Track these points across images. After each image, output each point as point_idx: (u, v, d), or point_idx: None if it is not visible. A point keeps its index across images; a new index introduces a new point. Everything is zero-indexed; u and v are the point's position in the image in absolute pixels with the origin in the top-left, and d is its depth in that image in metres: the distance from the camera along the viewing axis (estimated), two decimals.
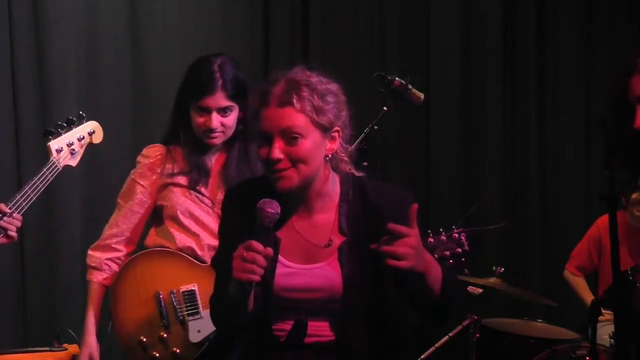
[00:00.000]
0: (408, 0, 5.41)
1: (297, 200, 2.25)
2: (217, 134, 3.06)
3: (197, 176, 3.10)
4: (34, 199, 2.87)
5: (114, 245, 3.16)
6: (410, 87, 3.48)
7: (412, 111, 4.16)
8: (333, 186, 2.28)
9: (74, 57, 4.53)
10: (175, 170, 3.12)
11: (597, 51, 5.48)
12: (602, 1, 5.49)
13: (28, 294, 4.46)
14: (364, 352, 2.24)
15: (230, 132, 3.09)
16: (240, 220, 2.23)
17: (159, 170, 3.14)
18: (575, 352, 3.86)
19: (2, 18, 4.36)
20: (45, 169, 2.92)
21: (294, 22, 5.21)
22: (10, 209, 2.81)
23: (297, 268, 2.24)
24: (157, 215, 3.18)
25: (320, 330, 2.25)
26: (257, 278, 2.07)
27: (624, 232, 4.27)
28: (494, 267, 4.05)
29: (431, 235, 3.26)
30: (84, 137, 3.09)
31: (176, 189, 3.11)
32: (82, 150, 3.09)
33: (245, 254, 2.07)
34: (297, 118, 2.15)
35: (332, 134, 2.22)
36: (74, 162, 3.06)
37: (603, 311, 2.89)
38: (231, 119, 3.06)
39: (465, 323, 4.07)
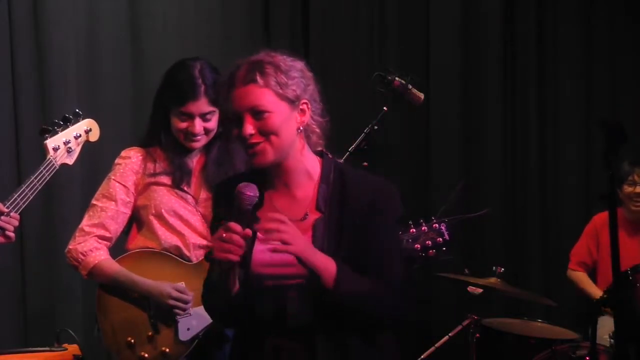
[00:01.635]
0: (408, 0, 5.41)
1: (275, 176, 2.30)
2: (199, 137, 3.07)
3: (180, 175, 3.10)
4: (32, 197, 2.86)
5: (102, 245, 3.11)
6: (410, 87, 3.48)
7: (412, 111, 4.16)
8: (312, 164, 2.33)
9: (74, 57, 4.53)
10: (158, 170, 3.11)
11: (597, 51, 5.48)
12: (602, 1, 5.49)
13: (28, 294, 4.46)
14: (334, 334, 2.26)
15: (212, 135, 3.10)
16: (229, 214, 2.25)
17: (141, 171, 3.13)
18: (575, 352, 3.86)
19: (2, 18, 4.36)
20: (42, 168, 2.91)
21: (294, 22, 5.21)
22: (7, 208, 2.80)
23: (274, 244, 2.24)
24: (136, 217, 3.16)
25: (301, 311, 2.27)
26: (235, 257, 2.14)
27: (620, 227, 4.28)
28: (494, 267, 4.04)
29: (412, 226, 3.25)
30: (80, 135, 3.08)
31: (160, 188, 3.10)
32: (79, 148, 3.08)
33: (223, 235, 2.13)
34: (262, 93, 2.22)
35: (301, 107, 2.27)
36: (70, 160, 3.05)
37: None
38: (213, 123, 3.07)
39: (465, 323, 4.07)
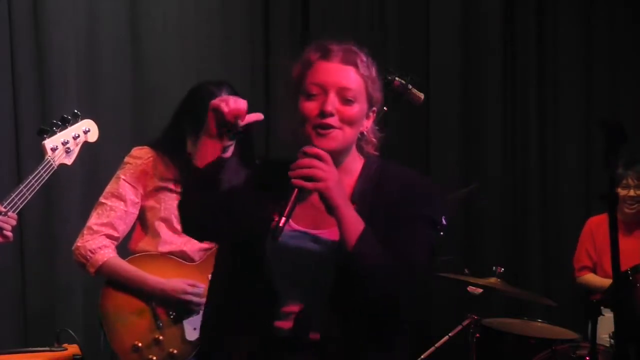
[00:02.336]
0: (408, 0, 5.41)
1: None
2: None
3: None
4: (30, 197, 2.86)
5: (109, 243, 3.10)
6: (410, 87, 3.47)
7: (412, 111, 4.15)
8: (355, 164, 2.21)
9: (74, 57, 4.52)
10: (169, 176, 3.09)
11: (597, 51, 5.48)
12: (602, 1, 5.49)
13: (28, 294, 4.46)
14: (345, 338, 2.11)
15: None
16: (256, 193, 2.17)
17: (151, 173, 3.11)
18: (575, 352, 3.86)
19: (2, 18, 4.35)
20: (40, 168, 2.91)
21: (294, 22, 5.21)
22: (5, 207, 2.80)
23: (302, 231, 2.13)
24: (142, 218, 3.14)
25: (324, 323, 2.11)
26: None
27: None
28: (494, 267, 4.04)
29: None
30: (79, 136, 3.07)
31: (170, 194, 3.09)
32: (77, 149, 3.08)
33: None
34: (357, 80, 2.12)
35: (371, 112, 2.19)
36: (69, 161, 3.04)
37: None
38: (229, 152, 3.04)
39: (465, 323, 4.06)
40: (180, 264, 3.09)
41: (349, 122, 2.10)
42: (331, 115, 2.07)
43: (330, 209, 2.04)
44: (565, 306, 4.64)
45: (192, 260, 3.09)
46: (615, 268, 2.58)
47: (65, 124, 3.04)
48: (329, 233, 2.12)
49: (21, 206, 2.84)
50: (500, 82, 5.44)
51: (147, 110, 4.69)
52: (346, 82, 2.10)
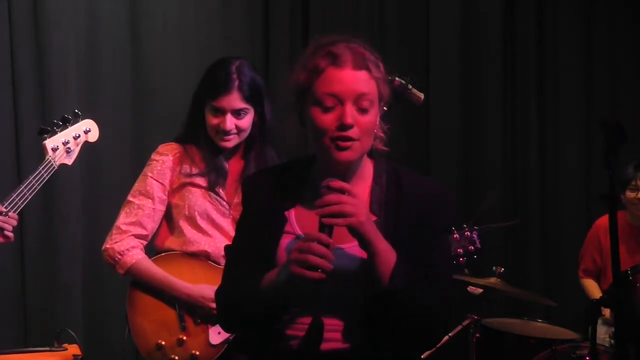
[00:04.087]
0: (408, 0, 5.41)
1: (328, 174, 2.03)
2: (231, 136, 3.01)
3: (215, 177, 3.06)
4: (30, 197, 2.86)
5: (138, 244, 3.08)
6: (410, 87, 3.47)
7: (412, 111, 4.15)
8: (366, 165, 2.12)
9: (74, 57, 4.53)
10: (194, 171, 3.07)
11: (597, 51, 5.48)
12: (602, 1, 5.49)
13: (28, 294, 4.46)
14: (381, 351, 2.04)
15: (244, 136, 3.05)
16: (260, 209, 2.11)
17: (177, 169, 3.09)
18: (575, 352, 3.86)
19: (2, 18, 4.36)
20: (41, 168, 2.91)
21: (294, 22, 5.21)
22: (6, 208, 2.80)
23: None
24: (169, 215, 3.13)
25: (336, 333, 2.04)
26: (320, 275, 1.90)
27: (623, 231, 4.28)
28: (494, 267, 4.04)
29: None
30: (79, 136, 3.07)
31: (194, 189, 3.07)
32: (78, 149, 3.08)
33: (305, 245, 1.91)
34: (371, 85, 2.00)
35: (381, 107, 2.08)
36: (69, 161, 3.04)
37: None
38: (246, 122, 3.02)
39: (465, 323, 4.06)
40: (210, 266, 3.07)
41: (367, 131, 2.01)
42: (351, 127, 1.98)
43: (364, 243, 1.97)
44: (565, 306, 4.64)
45: (217, 262, 3.08)
46: (615, 268, 2.58)
47: (65, 123, 3.03)
48: (351, 248, 2.05)
49: (22, 206, 2.84)
50: (500, 82, 5.44)
51: (147, 110, 4.69)
52: (362, 89, 1.99)
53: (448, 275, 2.16)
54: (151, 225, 3.09)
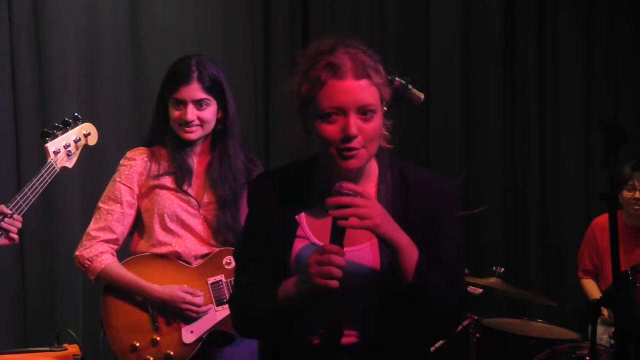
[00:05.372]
0: (408, 0, 5.41)
1: (339, 178, 2.03)
2: (193, 127, 3.04)
3: (181, 174, 3.08)
4: (33, 200, 2.88)
5: (107, 249, 3.10)
6: (410, 87, 3.46)
7: (412, 111, 4.15)
8: (371, 166, 2.14)
9: (74, 57, 4.53)
10: (161, 171, 3.09)
11: (597, 51, 5.48)
12: (602, 2, 5.49)
13: (28, 294, 4.46)
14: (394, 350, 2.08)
15: (208, 129, 3.08)
16: (269, 213, 2.12)
17: (145, 172, 3.11)
18: (575, 352, 3.86)
19: (2, 18, 4.36)
20: (43, 171, 2.93)
21: (294, 22, 5.21)
22: (10, 210, 2.82)
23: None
24: (139, 219, 3.15)
25: (351, 330, 2.08)
26: (336, 284, 1.94)
27: (620, 231, 4.27)
28: (494, 267, 4.05)
29: None
30: (79, 139, 3.10)
31: (163, 192, 3.09)
32: (78, 152, 3.10)
33: (320, 258, 1.94)
34: (373, 93, 2.02)
35: (384, 106, 2.10)
36: (70, 164, 3.06)
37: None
38: (208, 113, 3.05)
39: (465, 323, 4.07)
40: (180, 266, 3.08)
41: (372, 138, 2.03)
42: (355, 137, 1.99)
43: (385, 242, 1.99)
44: (565, 306, 4.64)
45: (188, 262, 3.09)
46: (615, 268, 2.59)
47: (66, 127, 3.06)
48: (362, 250, 2.08)
49: (25, 208, 2.86)
50: (500, 82, 5.44)
51: (147, 111, 4.65)
52: (364, 99, 2.00)
53: (461, 269, 2.22)
54: (120, 229, 3.11)
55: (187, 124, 3.03)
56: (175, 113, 3.05)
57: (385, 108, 2.10)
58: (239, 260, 2.26)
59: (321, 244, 2.05)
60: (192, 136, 3.06)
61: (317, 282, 1.94)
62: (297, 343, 2.09)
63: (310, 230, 2.10)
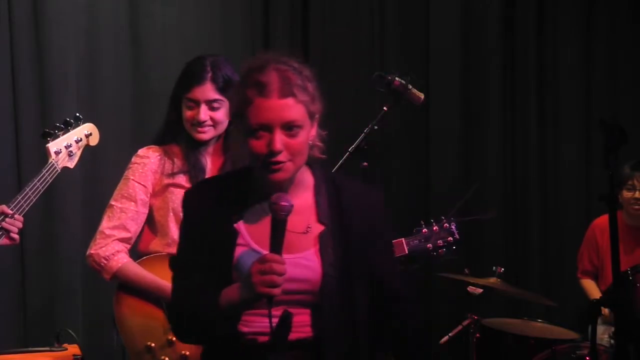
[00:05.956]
0: (408, 0, 5.41)
1: (272, 187, 2.16)
2: (206, 128, 3.03)
3: (194, 173, 3.06)
4: (34, 200, 2.88)
5: (122, 248, 3.08)
6: (410, 87, 3.47)
7: (412, 111, 4.16)
8: (305, 174, 2.25)
9: (74, 57, 4.53)
10: (175, 170, 3.08)
11: (597, 51, 5.48)
12: (602, 1, 5.49)
13: (28, 294, 4.46)
14: (342, 350, 2.19)
15: (220, 129, 3.07)
16: (207, 223, 2.19)
17: (159, 171, 3.10)
18: (575, 352, 3.86)
19: (2, 18, 4.35)
20: (44, 171, 2.93)
21: (294, 22, 5.21)
22: (11, 210, 2.82)
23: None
24: (151, 218, 3.13)
25: (300, 324, 2.19)
26: (278, 292, 2.06)
27: (620, 231, 4.27)
28: (494, 267, 4.04)
29: (424, 226, 3.32)
30: (81, 139, 3.09)
31: (177, 190, 3.06)
32: (79, 152, 3.09)
33: (263, 267, 2.04)
34: (298, 109, 2.11)
35: (314, 121, 2.20)
36: (71, 164, 3.06)
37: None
38: (221, 114, 3.03)
39: (465, 323, 4.07)
40: None
41: (298, 152, 2.13)
42: (280, 152, 2.10)
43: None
44: (565, 306, 4.64)
45: None
46: (615, 268, 2.59)
47: (67, 127, 3.05)
48: (304, 257, 2.18)
49: (27, 208, 2.86)
50: (500, 82, 5.44)
51: (147, 111, 4.69)
52: (288, 116, 2.10)
53: (404, 282, 2.34)
54: (134, 227, 3.09)
55: (200, 124, 3.02)
56: (188, 113, 3.04)
57: (317, 117, 2.20)
58: (177, 267, 2.30)
59: (260, 249, 2.15)
60: (205, 136, 3.05)
61: (260, 291, 2.05)
62: (243, 343, 2.17)
63: (249, 237, 2.19)
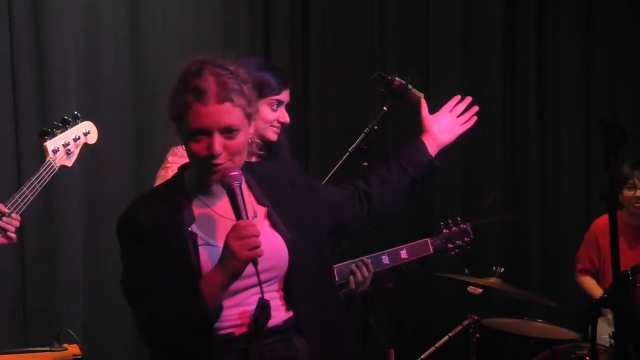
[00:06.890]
0: (408, 0, 5.41)
1: (208, 187, 2.24)
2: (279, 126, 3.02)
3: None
4: (32, 199, 2.88)
5: None
6: (410, 87, 3.48)
7: (412, 111, 4.16)
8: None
9: (74, 57, 4.52)
10: None
11: (597, 50, 5.48)
12: (602, 1, 5.49)
13: (28, 294, 4.46)
14: (319, 318, 2.25)
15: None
16: (157, 236, 2.17)
17: None
18: (575, 352, 3.86)
19: (2, 18, 4.35)
20: (42, 170, 2.93)
21: (294, 22, 5.21)
22: (8, 209, 2.81)
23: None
24: None
25: (276, 308, 2.21)
26: (261, 252, 2.09)
27: (620, 230, 4.28)
28: (494, 267, 4.05)
29: (443, 227, 3.42)
30: (79, 138, 3.09)
31: None
32: (77, 151, 3.09)
33: (239, 233, 2.08)
34: (236, 113, 2.16)
35: (252, 120, 2.25)
36: (69, 162, 3.06)
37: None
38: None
39: (465, 323, 4.07)
40: None
41: (237, 152, 2.18)
42: (219, 155, 2.15)
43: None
44: (565, 306, 4.64)
45: None
46: (615, 268, 2.59)
47: (65, 125, 3.05)
48: (262, 237, 2.16)
49: (24, 207, 2.86)
50: (500, 82, 5.44)
51: (147, 111, 4.69)
52: (226, 121, 2.14)
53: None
54: None
55: (280, 123, 2.99)
56: (271, 114, 3.00)
57: (252, 121, 2.23)
58: (132, 290, 2.21)
59: (216, 242, 2.17)
60: (277, 137, 3.01)
61: (244, 256, 2.08)
62: (218, 341, 2.16)
63: (208, 236, 2.20)
